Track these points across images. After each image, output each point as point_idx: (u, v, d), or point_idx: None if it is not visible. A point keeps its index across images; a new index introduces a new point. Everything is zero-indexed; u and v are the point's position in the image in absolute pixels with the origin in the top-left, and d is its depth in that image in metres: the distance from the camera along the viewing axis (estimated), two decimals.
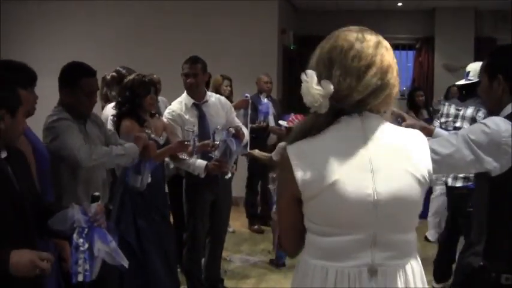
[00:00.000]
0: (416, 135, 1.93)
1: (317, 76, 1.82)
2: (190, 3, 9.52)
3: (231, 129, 4.68)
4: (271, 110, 7.67)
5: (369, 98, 1.82)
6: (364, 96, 1.81)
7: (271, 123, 7.65)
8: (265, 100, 7.58)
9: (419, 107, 8.97)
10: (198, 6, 9.50)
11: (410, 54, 11.54)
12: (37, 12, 9.80)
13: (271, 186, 5.50)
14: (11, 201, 2.43)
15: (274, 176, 3.66)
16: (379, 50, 1.86)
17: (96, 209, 2.73)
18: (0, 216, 2.37)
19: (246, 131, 5.07)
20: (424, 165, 1.85)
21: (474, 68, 4.84)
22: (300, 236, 1.92)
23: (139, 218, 4.40)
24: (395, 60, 1.89)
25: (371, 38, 1.87)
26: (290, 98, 10.36)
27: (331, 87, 1.79)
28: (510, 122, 2.46)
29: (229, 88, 7.33)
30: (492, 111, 2.69)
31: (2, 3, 9.09)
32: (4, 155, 2.50)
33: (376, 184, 1.78)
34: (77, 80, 3.62)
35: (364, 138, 1.82)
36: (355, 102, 1.81)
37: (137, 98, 4.42)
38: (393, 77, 1.86)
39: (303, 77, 1.83)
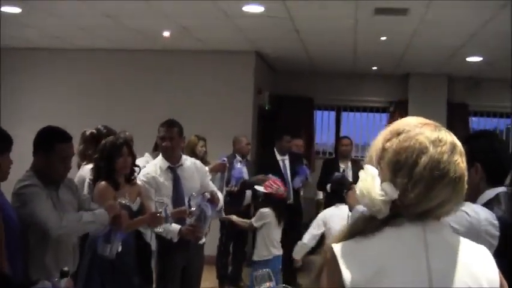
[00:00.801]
0: (482, 249, 1.72)
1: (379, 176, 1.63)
2: (165, 61, 9.62)
3: (206, 194, 4.64)
4: (245, 175, 7.65)
5: (436, 208, 1.63)
6: (431, 206, 1.61)
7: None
8: (239, 165, 7.56)
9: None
10: (173, 64, 9.60)
11: (384, 117, 11.66)
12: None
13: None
14: None
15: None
16: (454, 156, 1.64)
17: (66, 285, 2.66)
18: None
19: (220, 195, 5.04)
20: (485, 279, 1.65)
21: None
22: None
23: (107, 286, 4.30)
24: (465, 164, 1.68)
25: (446, 140, 1.65)
26: (262, 159, 10.36)
27: (396, 193, 1.59)
28: (488, 211, 2.45)
29: (204, 148, 7.34)
30: (469, 198, 2.68)
31: None
32: None
33: None
34: (52, 145, 3.58)
35: (424, 248, 1.61)
36: (420, 212, 1.62)
37: (110, 162, 4.37)
38: (464, 187, 1.66)
39: (362, 174, 1.64)
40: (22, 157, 3.71)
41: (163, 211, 4.47)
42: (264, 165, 7.92)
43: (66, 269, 3.41)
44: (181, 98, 9.35)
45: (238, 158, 7.74)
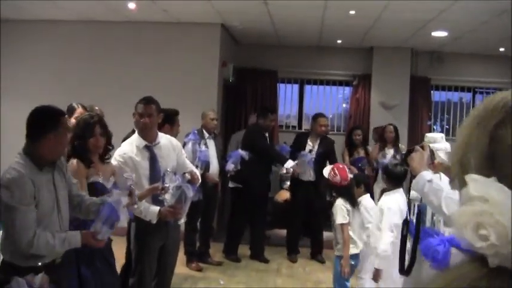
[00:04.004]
0: None
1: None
2: (129, 33, 9.44)
3: (186, 174, 4.53)
4: (212, 157, 7.61)
5: None
6: None
7: (214, 166, 7.67)
8: (203, 147, 7.44)
9: (356, 145, 9.03)
10: (138, 36, 9.42)
11: (348, 90, 11.65)
12: None
13: None
14: None
15: None
16: None
17: (42, 280, 2.52)
18: None
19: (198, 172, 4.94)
20: None
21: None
22: None
23: (82, 266, 4.15)
24: None
25: None
26: (226, 132, 10.28)
27: None
28: None
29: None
30: None
31: None
32: None
33: None
34: (59, 121, 3.39)
35: None
36: None
37: (82, 139, 4.21)
38: None
39: (473, 197, 1.04)
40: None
41: (127, 187, 4.31)
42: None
43: (40, 264, 3.27)
44: (146, 71, 9.20)
45: (206, 135, 7.63)
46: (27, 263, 3.25)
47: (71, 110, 5.24)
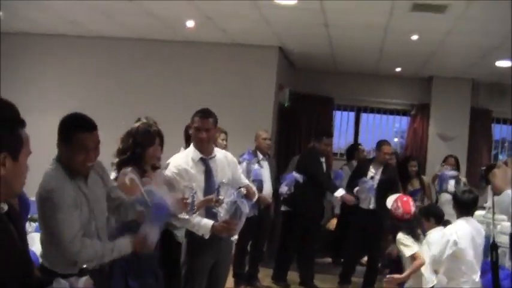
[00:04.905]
0: None
1: None
2: (186, 52, 9.47)
3: (242, 189, 4.38)
4: (263, 176, 7.45)
5: None
6: None
7: (267, 187, 7.46)
8: (256, 166, 7.32)
9: (411, 176, 8.71)
10: (195, 55, 9.44)
11: (405, 120, 11.41)
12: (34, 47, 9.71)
13: None
14: (21, 270, 2.02)
15: None
16: None
17: (85, 284, 2.39)
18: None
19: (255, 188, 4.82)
20: None
21: None
22: None
23: (130, 279, 4.05)
24: None
25: None
26: (279, 155, 10.15)
27: None
28: None
29: (225, 142, 7.08)
30: None
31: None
32: (4, 208, 2.09)
33: None
34: (69, 135, 3.19)
35: None
36: None
37: (139, 148, 4.12)
38: None
39: None
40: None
41: (190, 198, 4.21)
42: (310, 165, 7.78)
43: (85, 266, 3.14)
44: (202, 91, 9.15)
45: (259, 156, 7.51)
46: (69, 270, 3.14)
47: None
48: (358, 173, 8.08)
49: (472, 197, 4.96)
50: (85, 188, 3.27)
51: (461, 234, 4.86)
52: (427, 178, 9.06)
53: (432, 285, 5.16)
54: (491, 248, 3.63)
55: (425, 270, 5.17)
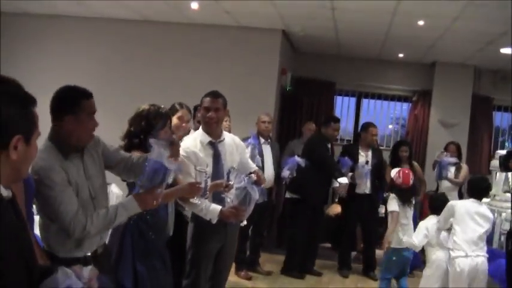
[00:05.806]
0: None
1: None
2: (190, 35, 9.41)
3: (252, 175, 4.29)
4: (269, 158, 7.42)
5: None
6: None
7: (269, 171, 7.33)
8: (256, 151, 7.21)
9: (401, 161, 8.59)
10: (199, 41, 9.38)
11: (406, 106, 11.34)
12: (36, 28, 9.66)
13: None
14: (23, 260, 1.85)
15: None
16: None
17: (90, 274, 2.31)
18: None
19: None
20: None
21: None
22: None
23: (138, 263, 3.99)
24: None
25: None
26: (280, 140, 10.06)
27: None
28: None
29: (228, 123, 6.99)
30: None
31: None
32: (7, 194, 1.89)
33: None
34: (78, 102, 3.11)
35: None
36: None
37: (152, 130, 4.02)
38: None
39: None
40: None
41: (204, 182, 4.14)
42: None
43: (89, 254, 3.04)
44: (204, 72, 9.07)
45: (261, 140, 7.42)
46: (72, 253, 3.04)
47: (173, 110, 5.00)
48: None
49: (486, 185, 5.57)
50: (80, 164, 3.17)
51: (461, 206, 5.45)
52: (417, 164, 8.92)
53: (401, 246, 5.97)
54: (507, 236, 3.62)
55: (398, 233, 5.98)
